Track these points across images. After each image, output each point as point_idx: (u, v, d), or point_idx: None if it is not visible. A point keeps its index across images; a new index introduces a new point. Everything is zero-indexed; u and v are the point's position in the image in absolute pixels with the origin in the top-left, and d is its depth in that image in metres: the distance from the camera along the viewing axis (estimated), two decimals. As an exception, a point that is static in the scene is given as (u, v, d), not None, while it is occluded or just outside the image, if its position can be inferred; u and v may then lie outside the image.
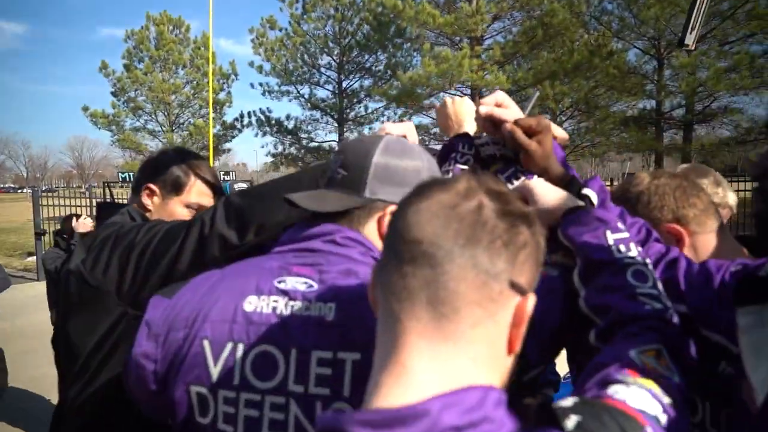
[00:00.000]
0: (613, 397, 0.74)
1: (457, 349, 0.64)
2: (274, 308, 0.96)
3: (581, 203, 1.19)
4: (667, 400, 0.75)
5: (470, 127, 1.54)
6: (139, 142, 24.59)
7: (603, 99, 19.52)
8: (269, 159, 25.95)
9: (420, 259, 0.65)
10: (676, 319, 0.96)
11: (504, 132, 1.32)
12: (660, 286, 1.02)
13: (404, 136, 1.54)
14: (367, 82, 24.49)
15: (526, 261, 0.67)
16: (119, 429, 1.32)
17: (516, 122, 1.31)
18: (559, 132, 1.69)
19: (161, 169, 1.69)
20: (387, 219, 1.05)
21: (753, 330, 0.77)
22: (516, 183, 1.34)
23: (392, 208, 1.04)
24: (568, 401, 0.71)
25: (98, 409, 1.35)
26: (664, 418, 0.72)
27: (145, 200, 1.68)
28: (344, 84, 24.68)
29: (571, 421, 0.66)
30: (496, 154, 1.42)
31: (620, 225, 1.12)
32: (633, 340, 0.89)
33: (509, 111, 1.35)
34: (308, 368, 0.91)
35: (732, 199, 1.72)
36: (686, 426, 0.75)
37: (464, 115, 1.56)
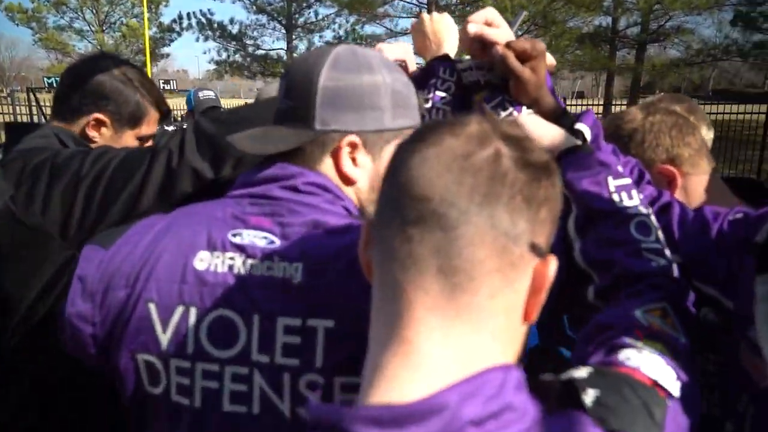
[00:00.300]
0: (626, 364, 0.68)
1: (474, 325, 0.56)
2: (231, 266, 0.84)
3: (578, 142, 1.08)
4: (677, 363, 0.71)
5: (451, 48, 1.38)
6: (66, 42, 22.47)
7: (561, 13, 19.15)
8: (212, 66, 24.45)
9: (430, 221, 0.55)
10: (678, 274, 0.90)
11: (494, 56, 1.17)
12: (662, 238, 0.95)
13: (402, 62, 1.37)
14: (317, -15, 22.96)
15: (546, 218, 0.59)
16: (76, 382, 1.19)
17: (508, 45, 1.16)
18: (549, 59, 1.55)
19: (110, 95, 1.44)
20: (345, 153, 0.91)
21: None
22: (503, 114, 1.22)
23: (350, 138, 0.90)
24: (582, 371, 0.65)
25: (50, 362, 1.19)
26: (678, 386, 0.68)
27: (91, 132, 1.44)
28: (293, -14, 23.07)
29: (589, 396, 0.60)
30: (480, 80, 1.28)
31: (621, 169, 1.02)
32: (637, 298, 0.82)
33: (501, 31, 1.19)
34: (274, 336, 0.80)
35: (705, 131, 1.65)
36: (696, 388, 0.72)
37: (444, 33, 1.39)
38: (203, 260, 0.85)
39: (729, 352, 0.95)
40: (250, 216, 0.88)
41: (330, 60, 0.91)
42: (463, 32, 1.20)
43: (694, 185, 1.25)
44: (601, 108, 18.38)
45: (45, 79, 11.11)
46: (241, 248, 0.84)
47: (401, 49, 1.39)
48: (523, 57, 1.16)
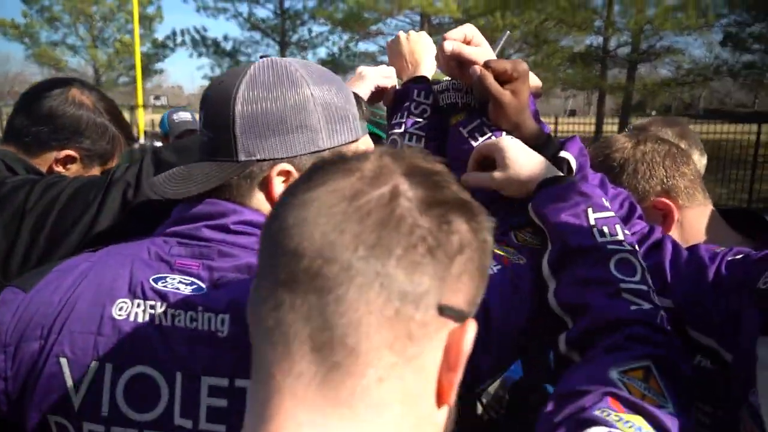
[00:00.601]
0: None
1: (358, 420, 0.44)
2: (152, 316, 0.75)
3: (560, 173, 0.99)
4: None
5: (428, 69, 1.29)
6: (59, 57, 22.44)
7: (552, 33, 19.33)
8: (206, 82, 24.47)
9: (303, 281, 0.44)
10: (665, 321, 0.80)
11: (472, 76, 1.09)
12: (649, 279, 0.85)
13: (386, 87, 1.29)
14: (311, 3, 23.20)
15: (463, 271, 0.48)
16: None
17: (487, 65, 1.08)
18: (534, 80, 1.46)
19: (86, 132, 1.35)
20: (277, 183, 0.81)
21: None
22: (481, 140, 1.12)
23: (281, 167, 0.81)
24: None
25: None
26: None
27: (57, 168, 1.35)
28: (286, 3, 23.26)
29: None
30: (458, 102, 1.19)
31: (605, 202, 0.93)
32: (615, 354, 0.72)
33: (480, 50, 1.10)
34: (198, 398, 0.72)
35: (697, 157, 1.57)
36: None
37: (421, 53, 1.31)
38: (122, 308, 0.75)
39: (726, 406, 0.85)
40: (176, 258, 0.79)
41: (245, 80, 0.81)
42: (440, 50, 1.11)
43: (691, 219, 1.15)
44: (593, 126, 18.47)
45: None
46: (162, 295, 0.75)
47: (384, 72, 1.31)
48: (504, 78, 1.07)
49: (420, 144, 1.18)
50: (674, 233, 1.14)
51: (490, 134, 1.12)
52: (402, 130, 1.20)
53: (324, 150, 0.83)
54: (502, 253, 0.91)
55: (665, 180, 1.14)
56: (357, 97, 0.93)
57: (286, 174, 0.82)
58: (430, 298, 0.45)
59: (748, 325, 0.81)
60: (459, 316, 0.48)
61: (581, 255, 0.85)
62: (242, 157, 0.80)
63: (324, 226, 0.44)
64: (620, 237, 0.88)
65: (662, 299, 0.94)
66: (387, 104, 1.31)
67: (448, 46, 1.08)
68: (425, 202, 0.46)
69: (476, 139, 1.13)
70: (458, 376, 0.49)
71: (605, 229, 0.88)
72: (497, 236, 0.98)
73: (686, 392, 0.71)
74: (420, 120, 1.20)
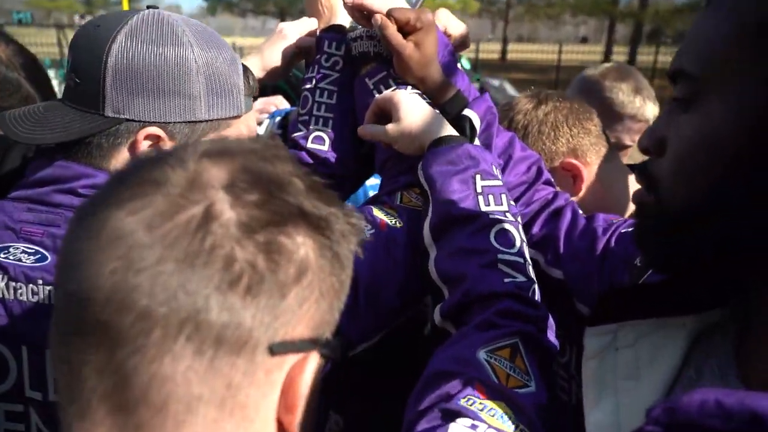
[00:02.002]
0: None
1: None
2: None
3: (454, 132, 0.92)
4: (523, 427, 0.59)
5: (346, 15, 1.19)
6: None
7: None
8: (204, 2, 23.45)
9: (92, 331, 0.37)
10: (538, 296, 0.77)
11: (374, 25, 1.00)
12: (527, 252, 0.81)
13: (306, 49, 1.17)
14: None
15: (305, 299, 0.41)
16: None
17: (390, 14, 0.98)
18: (455, 26, 1.35)
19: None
20: (144, 147, 0.76)
21: (603, 354, 0.58)
22: (384, 91, 1.04)
23: (150, 130, 0.75)
24: None
25: None
26: None
27: None
28: None
29: None
30: (370, 51, 1.10)
31: (495, 170, 0.87)
32: (484, 333, 0.70)
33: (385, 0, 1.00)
34: (45, 370, 0.71)
35: (651, 111, 1.49)
36: None
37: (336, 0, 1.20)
38: None
39: None
40: (21, 225, 0.75)
41: (124, 30, 0.74)
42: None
43: (600, 175, 1.11)
44: (600, 56, 17.82)
45: (15, 14, 10.57)
46: (4, 268, 0.72)
47: (306, 28, 1.20)
48: (407, 29, 0.98)
49: (332, 100, 1.10)
50: (586, 191, 1.10)
51: (394, 87, 1.04)
52: (312, 85, 1.12)
53: (201, 121, 0.78)
54: (380, 216, 0.87)
55: (570, 139, 1.08)
56: (246, 69, 0.86)
57: (156, 139, 0.77)
58: (257, 340, 0.39)
59: None
60: (300, 348, 0.42)
61: (463, 223, 0.81)
62: (109, 113, 0.75)
63: (115, 263, 0.36)
64: (504, 207, 0.83)
65: (553, 270, 0.91)
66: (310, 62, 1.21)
67: None
68: (248, 226, 0.39)
69: (380, 91, 1.05)
70: (298, 416, 0.42)
71: (491, 197, 0.83)
72: (382, 197, 0.94)
73: (550, 365, 0.71)
74: (331, 73, 1.12)
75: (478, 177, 0.84)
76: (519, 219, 0.85)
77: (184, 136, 0.78)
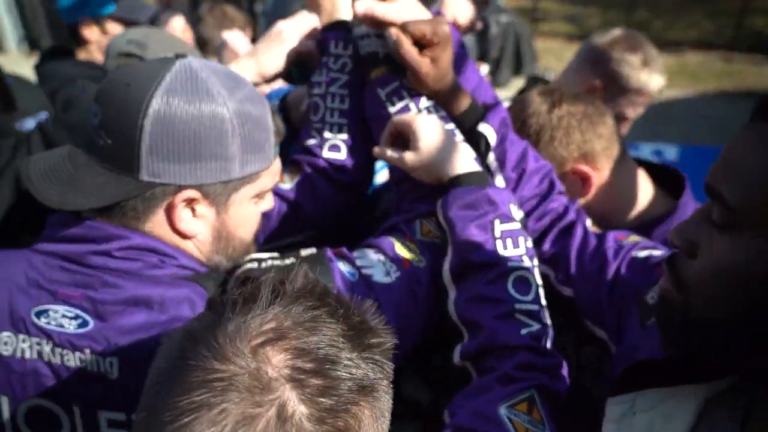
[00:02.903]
0: None
1: None
2: (39, 353, 0.74)
3: (473, 168, 0.92)
4: None
5: (348, 11, 1.12)
6: None
7: None
8: None
9: None
10: (550, 343, 0.84)
11: (388, 40, 0.96)
12: (542, 296, 0.86)
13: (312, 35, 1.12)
14: None
15: None
16: None
17: (404, 27, 0.94)
18: (463, 13, 1.29)
19: None
20: (180, 210, 0.77)
21: (623, 419, 0.65)
22: (398, 105, 1.03)
23: (188, 194, 0.76)
24: None
25: None
26: None
27: None
28: None
29: None
30: (378, 52, 1.06)
31: (513, 211, 0.90)
32: (504, 387, 0.77)
33: (397, 7, 0.95)
34: (98, 429, 0.75)
35: (655, 83, 1.48)
36: None
37: None
38: (7, 344, 0.75)
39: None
40: (58, 287, 0.76)
41: (161, 91, 0.73)
42: (353, 6, 0.96)
43: (611, 180, 1.14)
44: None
45: None
46: (47, 334, 0.74)
47: (305, 24, 1.15)
48: (423, 42, 0.95)
49: (344, 104, 1.08)
50: (593, 195, 1.13)
51: (408, 101, 1.03)
52: (322, 90, 1.08)
53: (234, 180, 0.78)
54: (404, 255, 0.90)
55: (582, 145, 1.10)
56: (270, 109, 0.85)
57: (192, 201, 0.77)
58: None
59: (630, 332, 0.84)
60: None
61: (482, 270, 0.85)
62: (144, 177, 0.74)
63: None
64: (521, 250, 0.87)
65: (564, 288, 0.97)
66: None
67: (360, 7, 0.93)
68: (318, 419, 0.43)
69: (393, 104, 1.04)
70: None
71: (509, 241, 0.87)
72: (401, 225, 0.96)
73: (561, 409, 0.79)
74: (341, 76, 1.08)
75: (497, 221, 0.87)
76: (535, 261, 0.89)
77: (218, 195, 0.78)
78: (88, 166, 0.76)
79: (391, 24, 0.95)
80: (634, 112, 1.52)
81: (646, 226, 1.12)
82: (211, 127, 0.74)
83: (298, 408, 0.43)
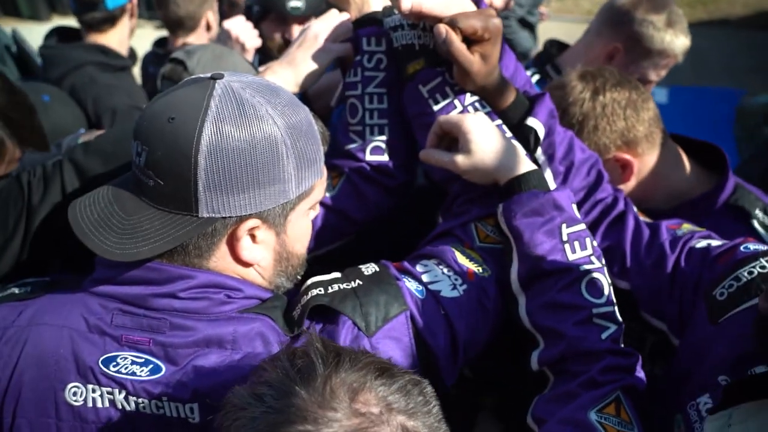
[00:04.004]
0: None
1: None
2: (112, 402, 0.73)
3: (530, 167, 0.90)
4: None
5: (378, 1, 1.05)
6: None
7: None
8: None
9: None
10: (626, 347, 0.85)
11: (437, 37, 0.91)
12: (612, 294, 0.87)
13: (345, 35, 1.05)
14: None
15: None
16: None
17: (453, 23, 0.89)
18: None
19: None
20: (244, 241, 0.75)
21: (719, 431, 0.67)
22: (442, 103, 0.99)
23: (249, 223, 0.74)
24: None
25: None
26: None
27: None
28: None
29: None
30: (414, 44, 1.01)
31: (576, 213, 0.89)
32: (590, 393, 0.79)
33: (444, 1, 0.89)
34: None
35: (680, 44, 1.46)
36: None
37: None
38: (76, 393, 0.73)
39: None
40: (122, 332, 0.74)
41: (209, 120, 0.69)
42: (394, 1, 0.90)
43: (650, 164, 1.14)
44: None
45: None
46: (120, 383, 0.73)
47: (338, 22, 1.08)
48: (473, 38, 0.90)
49: (383, 104, 1.04)
50: (635, 181, 1.13)
51: (452, 97, 0.99)
52: (359, 91, 1.03)
53: (292, 200, 0.76)
54: (468, 265, 0.89)
55: (626, 132, 1.09)
56: (313, 114, 0.81)
57: (254, 229, 0.75)
58: None
59: (699, 328, 0.86)
60: None
61: (553, 276, 0.85)
62: (204, 214, 0.71)
63: None
64: (589, 251, 0.87)
65: (620, 281, 0.98)
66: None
67: (406, 3, 0.87)
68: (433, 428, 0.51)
69: (437, 102, 1.00)
70: None
71: (576, 244, 0.87)
72: (456, 231, 0.94)
73: (642, 400, 0.82)
74: (377, 74, 1.03)
75: (563, 226, 0.87)
76: (602, 260, 0.89)
77: (276, 217, 0.76)
78: (141, 210, 0.73)
79: (437, 19, 0.90)
80: (656, 75, 1.50)
81: (686, 206, 1.13)
82: (266, 152, 0.71)
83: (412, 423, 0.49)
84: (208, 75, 0.74)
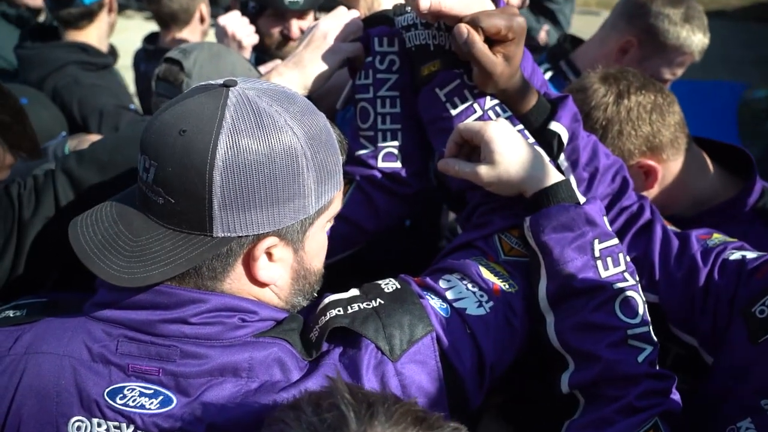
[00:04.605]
0: None
1: None
2: None
3: (557, 178, 0.85)
4: None
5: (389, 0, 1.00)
6: None
7: None
8: None
9: None
10: (662, 370, 0.81)
11: (457, 38, 0.85)
12: (647, 313, 0.82)
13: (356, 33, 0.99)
14: None
15: None
16: None
17: (475, 22, 0.83)
18: None
19: None
20: (262, 261, 0.70)
21: None
22: (461, 107, 0.94)
23: (267, 242, 0.69)
24: None
25: None
26: None
27: None
28: None
29: None
30: (429, 44, 0.96)
31: (608, 226, 0.84)
32: (628, 419, 0.75)
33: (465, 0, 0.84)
34: None
35: (697, 41, 1.41)
36: None
37: None
38: (81, 428, 0.68)
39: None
40: (128, 361, 0.68)
41: (224, 132, 0.64)
42: (412, 2, 0.84)
43: (675, 170, 1.10)
44: None
45: None
46: (128, 417, 0.67)
47: (347, 20, 1.01)
48: (496, 38, 0.84)
49: (396, 108, 0.98)
50: (659, 188, 1.10)
51: (472, 101, 0.94)
52: (371, 95, 0.97)
53: (311, 215, 0.71)
54: (491, 278, 0.84)
55: (651, 138, 1.05)
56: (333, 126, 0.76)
57: (272, 247, 0.70)
58: None
59: (737, 347, 0.82)
60: None
61: (585, 295, 0.81)
62: (219, 233, 0.66)
63: None
64: (622, 267, 0.83)
65: (648, 294, 0.93)
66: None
67: (425, 3, 0.81)
68: None
69: (455, 105, 0.95)
70: None
71: (609, 260, 0.82)
72: (479, 243, 0.89)
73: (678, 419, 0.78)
74: (389, 76, 0.98)
75: (596, 242, 0.82)
76: (636, 276, 0.85)
77: (295, 234, 0.71)
78: (149, 229, 0.67)
79: (457, 18, 0.84)
80: (671, 73, 1.45)
81: (712, 213, 1.08)
82: (286, 165, 0.66)
83: None
84: (220, 82, 0.68)
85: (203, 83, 0.70)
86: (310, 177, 0.68)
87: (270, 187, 0.65)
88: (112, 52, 1.99)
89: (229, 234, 0.66)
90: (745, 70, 4.84)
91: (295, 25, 1.64)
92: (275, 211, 0.66)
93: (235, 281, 0.70)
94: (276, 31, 1.66)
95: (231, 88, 0.67)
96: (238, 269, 0.70)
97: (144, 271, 0.65)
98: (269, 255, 0.71)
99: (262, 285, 0.73)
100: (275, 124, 0.65)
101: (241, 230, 0.66)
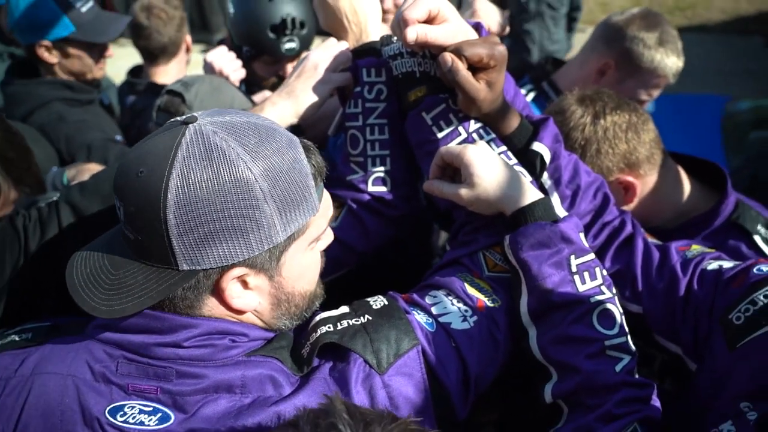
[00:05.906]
0: None
1: None
2: None
3: (534, 197, 0.90)
4: None
5: (376, 28, 1.06)
6: None
7: None
8: None
9: None
10: (641, 378, 0.86)
11: (442, 66, 0.91)
12: (625, 324, 0.87)
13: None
14: None
15: None
16: None
17: (458, 51, 0.89)
18: (495, 19, 1.22)
19: None
20: (231, 289, 0.74)
21: None
22: (446, 130, 0.99)
23: (234, 272, 0.72)
24: None
25: None
26: None
27: None
28: None
29: None
30: (415, 71, 1.01)
31: (585, 242, 0.89)
32: (607, 425, 0.80)
33: (448, 29, 0.90)
34: None
35: (671, 64, 1.48)
36: None
37: (365, 11, 1.05)
38: None
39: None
40: (128, 380, 0.73)
41: (174, 176, 0.68)
42: (400, 34, 0.90)
43: (652, 184, 1.17)
44: None
45: None
46: None
47: (337, 52, 1.07)
48: (478, 66, 0.90)
49: (384, 134, 1.04)
50: (636, 202, 1.16)
51: (456, 124, 1.00)
52: (360, 123, 1.02)
53: (281, 243, 0.74)
54: (476, 294, 0.88)
55: (628, 155, 1.12)
56: (308, 149, 0.77)
57: (244, 276, 0.74)
58: None
59: (718, 355, 0.86)
60: None
61: (564, 309, 0.86)
62: (184, 267, 0.71)
63: None
64: (599, 281, 0.89)
65: (632, 305, 0.98)
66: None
67: (411, 34, 0.87)
68: None
69: (441, 129, 1.00)
70: None
71: (586, 275, 0.88)
72: (464, 260, 0.93)
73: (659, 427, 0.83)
74: (378, 105, 1.03)
75: (572, 257, 0.87)
76: (613, 289, 0.90)
77: (265, 262, 0.75)
78: (126, 264, 0.74)
79: (444, 45, 0.90)
80: (647, 94, 1.53)
81: (689, 225, 1.14)
82: (237, 200, 0.69)
83: None
84: (182, 119, 0.73)
85: (170, 121, 0.75)
86: (270, 207, 0.70)
87: (225, 221, 0.69)
88: (96, 84, 2.01)
89: (194, 267, 0.71)
90: (729, 82, 4.97)
91: (290, 68, 1.69)
92: (236, 243, 0.70)
93: (214, 308, 0.75)
94: (271, 73, 1.72)
95: (189, 125, 0.71)
96: (212, 298, 0.75)
97: (119, 303, 0.71)
98: (244, 283, 0.75)
99: (239, 312, 0.77)
100: (226, 158, 0.68)
101: (204, 263, 0.71)
